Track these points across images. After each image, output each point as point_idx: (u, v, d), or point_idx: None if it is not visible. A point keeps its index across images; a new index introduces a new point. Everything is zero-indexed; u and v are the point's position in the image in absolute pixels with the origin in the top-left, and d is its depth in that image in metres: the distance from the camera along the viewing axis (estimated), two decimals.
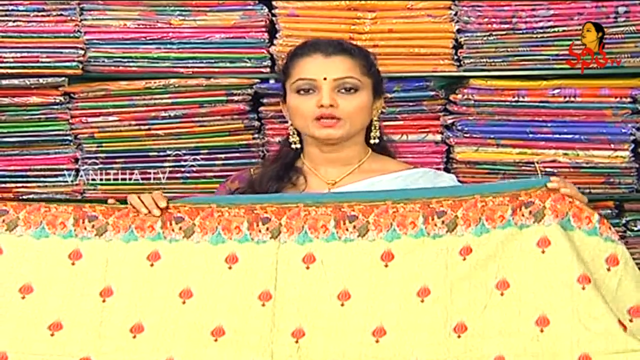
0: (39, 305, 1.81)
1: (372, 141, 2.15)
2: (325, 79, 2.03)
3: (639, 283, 1.75)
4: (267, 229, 1.84)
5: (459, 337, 1.71)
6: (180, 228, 1.87)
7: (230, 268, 1.82)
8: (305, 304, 1.77)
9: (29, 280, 1.83)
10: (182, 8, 2.70)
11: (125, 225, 1.87)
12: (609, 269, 1.74)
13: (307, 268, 1.80)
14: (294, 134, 2.14)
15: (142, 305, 1.80)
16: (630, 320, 1.71)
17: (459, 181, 2.70)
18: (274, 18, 2.70)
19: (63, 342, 1.77)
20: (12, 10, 2.66)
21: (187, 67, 2.71)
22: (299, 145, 2.14)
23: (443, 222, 1.80)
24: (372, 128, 2.14)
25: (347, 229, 1.83)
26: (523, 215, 1.78)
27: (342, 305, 1.77)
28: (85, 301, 1.81)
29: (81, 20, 2.68)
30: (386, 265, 1.79)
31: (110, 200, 1.95)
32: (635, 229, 2.78)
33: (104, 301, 1.81)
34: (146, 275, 1.83)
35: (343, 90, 2.04)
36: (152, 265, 1.84)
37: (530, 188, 1.80)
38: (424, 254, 1.79)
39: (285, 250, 1.82)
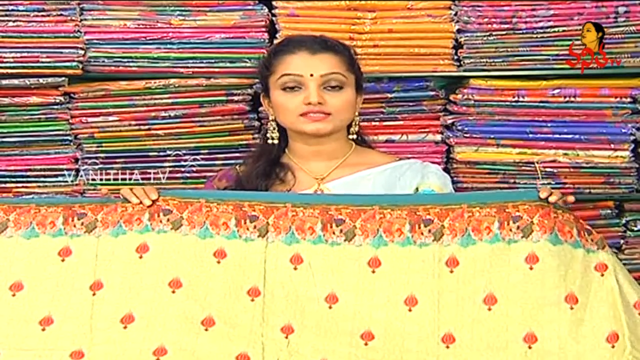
0: (30, 301, 1.81)
1: (350, 136, 2.15)
2: (312, 75, 2.02)
3: (631, 281, 1.79)
4: (255, 227, 1.85)
5: (447, 347, 1.71)
6: (168, 220, 1.86)
7: (218, 262, 1.82)
8: (294, 304, 1.77)
9: (19, 278, 1.83)
10: (182, 8, 2.69)
11: (114, 221, 1.87)
12: (602, 275, 1.77)
13: (295, 269, 1.80)
14: (274, 129, 2.14)
15: (132, 296, 1.79)
16: None
17: (459, 182, 2.72)
18: (274, 18, 2.70)
19: (54, 337, 1.76)
20: (12, 10, 2.65)
21: (187, 67, 2.71)
22: (276, 141, 2.14)
23: (430, 230, 1.81)
24: (353, 124, 2.14)
25: (333, 232, 1.83)
26: (511, 230, 1.78)
27: (330, 307, 1.77)
28: (76, 295, 1.81)
29: (81, 20, 2.68)
30: (373, 272, 1.79)
31: (103, 190, 1.95)
32: (635, 229, 2.78)
33: (94, 294, 1.80)
34: (135, 267, 1.82)
35: (329, 87, 2.04)
36: (141, 257, 1.83)
37: (519, 200, 1.81)
38: (411, 263, 1.79)
39: (273, 249, 1.82)
